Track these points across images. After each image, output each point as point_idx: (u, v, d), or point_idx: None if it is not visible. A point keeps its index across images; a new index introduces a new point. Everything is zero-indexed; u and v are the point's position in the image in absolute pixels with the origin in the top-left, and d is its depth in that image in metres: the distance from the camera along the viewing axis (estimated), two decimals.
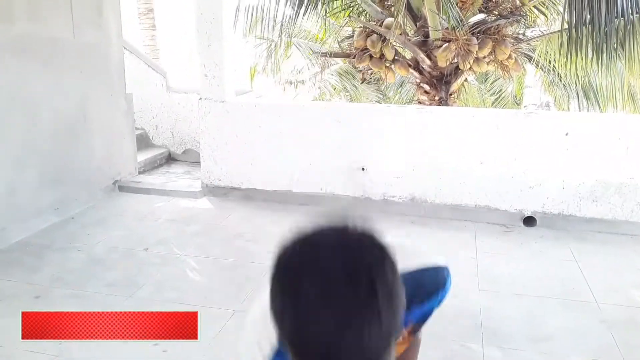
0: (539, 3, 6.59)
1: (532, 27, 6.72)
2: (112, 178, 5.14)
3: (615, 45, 5.21)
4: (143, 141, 6.23)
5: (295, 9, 5.83)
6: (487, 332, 2.95)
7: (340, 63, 10.57)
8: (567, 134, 4.32)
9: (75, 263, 3.71)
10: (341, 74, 10.60)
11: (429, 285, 1.13)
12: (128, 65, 5.40)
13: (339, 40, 7.62)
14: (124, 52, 5.25)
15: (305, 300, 0.76)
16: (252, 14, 6.31)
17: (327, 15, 6.16)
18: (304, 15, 5.62)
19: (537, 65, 6.98)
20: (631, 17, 5.13)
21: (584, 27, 5.26)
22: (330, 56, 7.71)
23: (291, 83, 12.94)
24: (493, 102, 9.74)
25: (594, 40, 5.18)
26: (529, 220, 4.46)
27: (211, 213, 4.76)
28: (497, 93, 9.87)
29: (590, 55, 5.26)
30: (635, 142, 4.24)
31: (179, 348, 2.72)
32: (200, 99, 4.93)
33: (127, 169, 5.37)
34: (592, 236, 4.24)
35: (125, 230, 4.30)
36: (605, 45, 5.19)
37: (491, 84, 9.98)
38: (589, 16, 5.24)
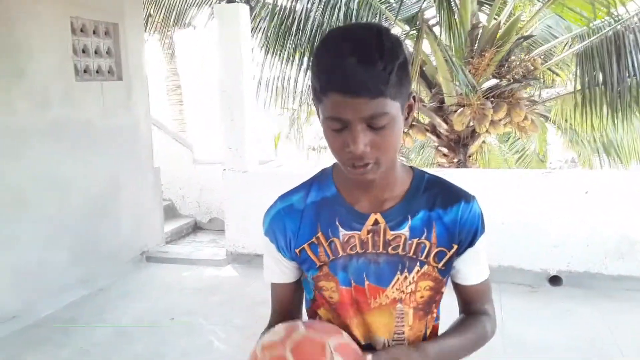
0: (552, 65, 6.75)
1: (548, 88, 6.85)
2: (139, 249, 5.27)
3: (629, 102, 5.28)
4: (170, 212, 6.40)
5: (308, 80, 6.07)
6: None
7: None
8: (587, 192, 4.33)
9: (101, 336, 3.77)
10: None
11: (453, 190, 1.21)
12: (157, 140, 5.63)
13: None
14: (152, 129, 5.50)
15: (330, 37, 1.03)
16: (272, 86, 6.59)
17: None
18: None
19: (555, 124, 7.05)
20: None
21: (596, 87, 5.38)
22: None
23: (314, 149, 13.24)
24: (517, 161, 9.74)
25: (608, 99, 5.28)
26: (555, 280, 4.41)
27: (236, 280, 4.82)
28: (520, 151, 9.88)
29: (605, 114, 5.34)
30: None
31: None
32: (224, 170, 5.10)
33: (155, 240, 5.51)
34: (620, 294, 4.16)
35: (151, 302, 4.37)
36: (619, 103, 5.28)
37: (512, 143, 10.03)
38: (601, 77, 5.38)
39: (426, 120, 6.26)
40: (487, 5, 6.71)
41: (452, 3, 5.24)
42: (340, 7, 5.60)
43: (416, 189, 1.16)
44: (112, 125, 4.85)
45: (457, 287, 1.25)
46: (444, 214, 1.15)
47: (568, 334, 3.60)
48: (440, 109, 5.88)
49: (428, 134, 6.18)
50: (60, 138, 4.30)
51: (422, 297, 1.16)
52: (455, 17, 5.24)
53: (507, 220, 4.48)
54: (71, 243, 4.44)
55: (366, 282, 1.14)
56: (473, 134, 5.90)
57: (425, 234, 1.14)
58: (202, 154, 6.79)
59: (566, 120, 6.30)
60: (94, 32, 4.69)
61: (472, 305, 1.25)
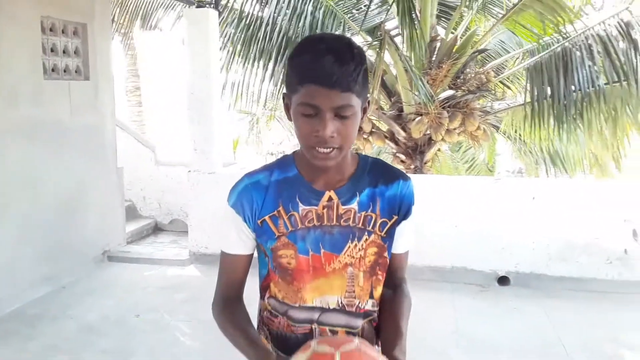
0: (504, 78, 7.11)
1: (499, 100, 7.21)
2: (102, 249, 5.30)
3: (574, 115, 5.65)
4: (131, 212, 6.42)
5: (278, 86, 6.23)
6: None
7: None
8: (533, 198, 4.64)
9: (69, 331, 3.83)
10: None
11: (392, 170, 1.42)
12: (119, 140, 5.67)
13: None
14: (116, 130, 5.54)
15: (308, 40, 1.26)
16: (235, 91, 6.71)
17: None
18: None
19: (505, 135, 7.43)
20: (588, 90, 5.60)
21: (545, 100, 5.73)
22: None
23: (272, 154, 13.35)
24: (467, 170, 10.13)
25: (555, 111, 5.63)
26: (503, 280, 4.70)
27: (199, 280, 4.91)
28: (470, 161, 10.28)
29: (552, 125, 5.69)
30: (598, 205, 4.57)
31: None
32: (190, 171, 5.19)
33: (117, 240, 5.54)
34: (562, 293, 4.48)
35: (115, 299, 4.43)
36: (565, 116, 5.64)
37: (464, 152, 10.42)
38: (549, 90, 5.73)
39: (385, 128, 6.51)
40: (445, 19, 7.02)
41: (414, 16, 5.48)
42: (306, 16, 5.78)
43: (362, 170, 1.37)
44: (79, 125, 4.88)
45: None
46: (385, 190, 1.36)
47: (516, 331, 3.87)
48: (399, 117, 6.13)
49: (387, 141, 6.43)
50: (30, 137, 4.32)
51: (369, 261, 1.36)
52: (416, 29, 5.49)
53: (459, 224, 4.74)
54: (39, 241, 4.45)
55: (322, 250, 1.33)
56: (429, 142, 6.17)
57: (371, 208, 1.35)
58: (165, 155, 6.83)
59: (516, 131, 6.65)
60: (63, 32, 4.72)
61: (397, 273, 1.45)
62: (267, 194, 1.34)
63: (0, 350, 3.50)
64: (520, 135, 6.65)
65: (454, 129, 5.88)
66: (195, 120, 5.11)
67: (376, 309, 1.43)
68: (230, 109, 8.28)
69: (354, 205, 1.34)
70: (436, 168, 7.50)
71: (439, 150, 6.67)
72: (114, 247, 5.46)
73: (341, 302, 1.37)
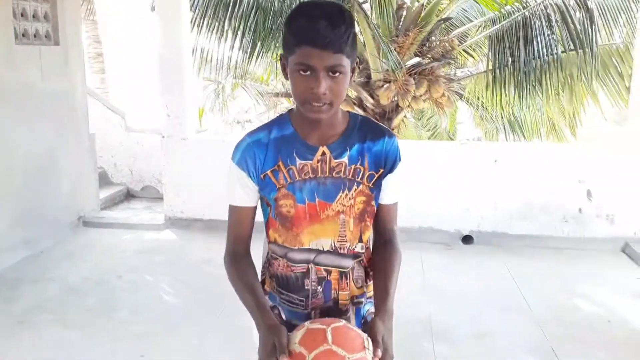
0: (467, 47, 7.33)
1: (463, 68, 7.45)
2: (76, 214, 5.35)
3: (533, 83, 5.93)
4: (102, 179, 6.43)
5: (248, 53, 6.28)
6: (436, 333, 3.38)
7: (285, 103, 11.09)
8: (495, 162, 4.91)
9: (51, 292, 3.92)
10: None
11: (379, 128, 1.59)
12: (89, 107, 5.66)
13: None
14: (87, 96, 5.53)
15: (304, 5, 1.37)
16: (203, 56, 6.72)
17: (278, 59, 6.63)
18: (256, 60, 6.07)
19: (468, 102, 7.69)
20: (546, 58, 5.86)
21: (506, 68, 5.97)
22: (280, 96, 8.19)
23: (238, 122, 13.38)
24: (429, 137, 10.42)
25: (515, 79, 5.89)
26: (467, 239, 4.98)
27: (176, 243, 5.04)
28: (433, 129, 10.58)
29: (512, 92, 5.96)
30: (555, 167, 4.86)
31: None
32: (163, 137, 5.26)
33: (91, 206, 5.59)
34: (522, 250, 4.79)
35: (95, 262, 4.53)
36: (525, 83, 5.90)
37: (427, 120, 10.71)
38: (510, 58, 5.97)
39: (354, 95, 6.67)
40: None
41: None
42: None
43: (352, 127, 1.53)
44: (50, 90, 4.87)
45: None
46: (372, 145, 1.52)
47: (479, 283, 4.16)
48: (367, 84, 6.30)
49: (355, 108, 6.60)
50: (2, 101, 4.31)
51: (358, 209, 1.53)
52: None
53: (427, 186, 4.97)
54: (13, 205, 4.48)
55: (317, 200, 1.49)
56: (397, 108, 6.38)
57: (359, 161, 1.51)
58: (135, 122, 6.84)
59: (478, 98, 6.92)
60: None
61: (387, 225, 1.62)
62: (268, 150, 1.49)
63: None
64: (482, 102, 6.91)
65: (420, 95, 6.09)
66: (167, 87, 5.16)
67: (364, 251, 1.60)
68: (197, 77, 8.29)
69: (345, 159, 1.49)
70: (401, 135, 7.72)
71: (405, 116, 6.88)
72: (89, 212, 5.51)
73: (334, 245, 1.53)
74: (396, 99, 6.14)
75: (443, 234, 5.01)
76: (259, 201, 1.56)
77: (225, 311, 3.56)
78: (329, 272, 1.54)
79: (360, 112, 6.63)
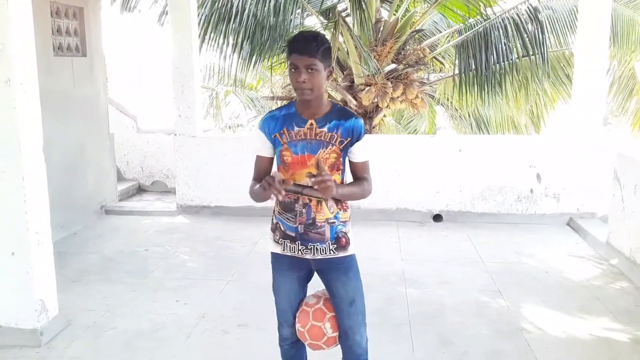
0: (437, 54, 8.28)
1: (434, 73, 8.38)
2: (99, 203, 6.16)
3: (493, 85, 6.88)
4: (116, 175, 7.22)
5: (246, 62, 7.14)
6: (408, 281, 4.26)
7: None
8: (460, 151, 5.81)
9: (93, 261, 4.75)
10: None
11: (350, 112, 2.34)
12: None
13: (282, 86, 9.01)
14: (108, 100, 6.36)
15: (296, 34, 2.23)
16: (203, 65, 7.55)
17: (272, 67, 7.52)
18: (254, 67, 6.95)
19: (439, 103, 8.63)
20: (504, 63, 6.82)
21: (470, 72, 6.92)
22: (272, 99, 9.07)
23: (229, 127, 14.21)
24: None
25: (478, 81, 6.84)
26: (437, 217, 5.88)
27: (189, 225, 5.87)
28: (413, 132, 11.50)
29: (476, 93, 6.90)
30: (509, 154, 5.78)
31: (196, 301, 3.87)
32: (175, 135, 6.09)
33: (110, 197, 6.40)
34: (483, 225, 5.70)
35: (123, 240, 5.34)
36: (486, 85, 6.85)
37: (407, 124, 11.64)
38: (473, 64, 6.92)
39: (339, 97, 7.56)
40: (387, 3, 8.09)
41: (361, 1, 6.51)
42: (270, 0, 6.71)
43: (332, 110, 2.28)
44: (80, 95, 5.69)
45: (351, 164, 2.33)
46: (345, 122, 2.27)
47: (446, 249, 5.05)
48: (350, 88, 7.20)
49: None
50: (44, 105, 5.10)
51: (331, 161, 2.30)
52: (364, 12, 6.52)
53: (402, 173, 5.86)
54: (52, 193, 5.26)
55: (306, 153, 2.24)
56: (377, 109, 7.28)
57: (335, 131, 2.24)
58: (145, 124, 7.64)
59: (447, 99, 7.85)
60: (65, 15, 5.50)
61: (359, 174, 2.41)
62: (278, 121, 2.32)
63: None
64: (451, 102, 7.85)
65: (397, 97, 7.00)
66: (179, 90, 6.00)
67: None
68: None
69: (325, 129, 2.26)
70: (383, 133, 8.63)
71: (384, 116, 7.78)
72: (109, 202, 6.32)
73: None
74: (376, 100, 7.05)
75: (417, 213, 5.90)
76: (276, 154, 2.38)
77: (237, 272, 4.43)
78: (310, 200, 2.26)
79: None
